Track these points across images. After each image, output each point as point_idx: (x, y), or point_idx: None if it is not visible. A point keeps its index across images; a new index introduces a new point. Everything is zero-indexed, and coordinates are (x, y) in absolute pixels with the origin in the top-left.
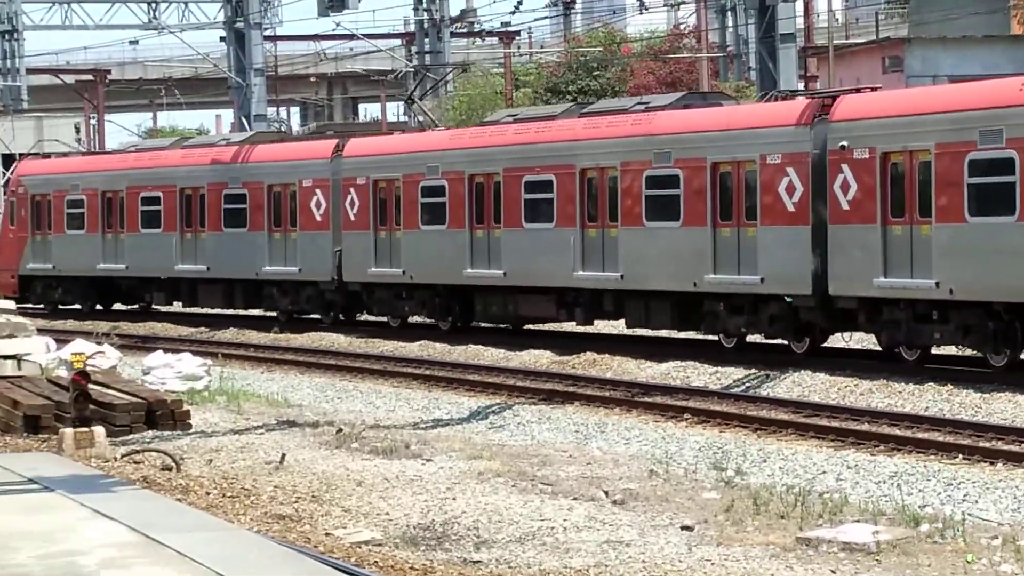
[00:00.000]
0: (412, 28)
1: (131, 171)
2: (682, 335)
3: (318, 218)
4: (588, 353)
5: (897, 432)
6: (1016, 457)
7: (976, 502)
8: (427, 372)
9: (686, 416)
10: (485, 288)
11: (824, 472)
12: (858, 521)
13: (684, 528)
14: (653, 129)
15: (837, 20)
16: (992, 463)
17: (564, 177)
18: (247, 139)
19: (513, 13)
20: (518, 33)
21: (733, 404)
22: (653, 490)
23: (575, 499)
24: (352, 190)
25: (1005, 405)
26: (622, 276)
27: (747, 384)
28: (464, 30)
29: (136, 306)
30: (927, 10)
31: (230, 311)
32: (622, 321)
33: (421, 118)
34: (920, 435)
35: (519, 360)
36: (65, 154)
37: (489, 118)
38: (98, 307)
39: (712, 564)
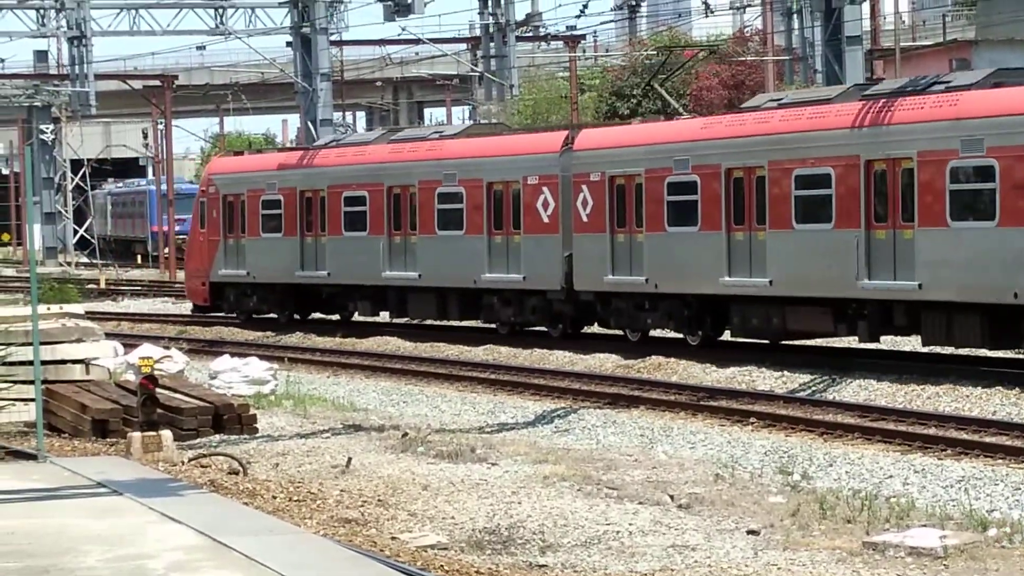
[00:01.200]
0: (477, 32)
1: (333, 168)
2: (748, 340)
3: (545, 219)
4: (653, 357)
5: (964, 436)
6: None
7: None
8: (492, 376)
9: (751, 420)
10: (742, 298)
11: (891, 476)
12: (925, 526)
13: (750, 532)
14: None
15: (904, 22)
16: None
17: (846, 170)
18: (463, 131)
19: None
20: (583, 37)
21: (799, 408)
22: (719, 494)
23: (640, 503)
24: (585, 187)
25: None
26: (920, 286)
27: (812, 388)
28: (529, 34)
29: (336, 316)
30: (994, 11)
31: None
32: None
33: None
34: (988, 439)
35: (584, 364)
36: (259, 150)
37: (747, 104)
38: (295, 317)
39: (779, 568)
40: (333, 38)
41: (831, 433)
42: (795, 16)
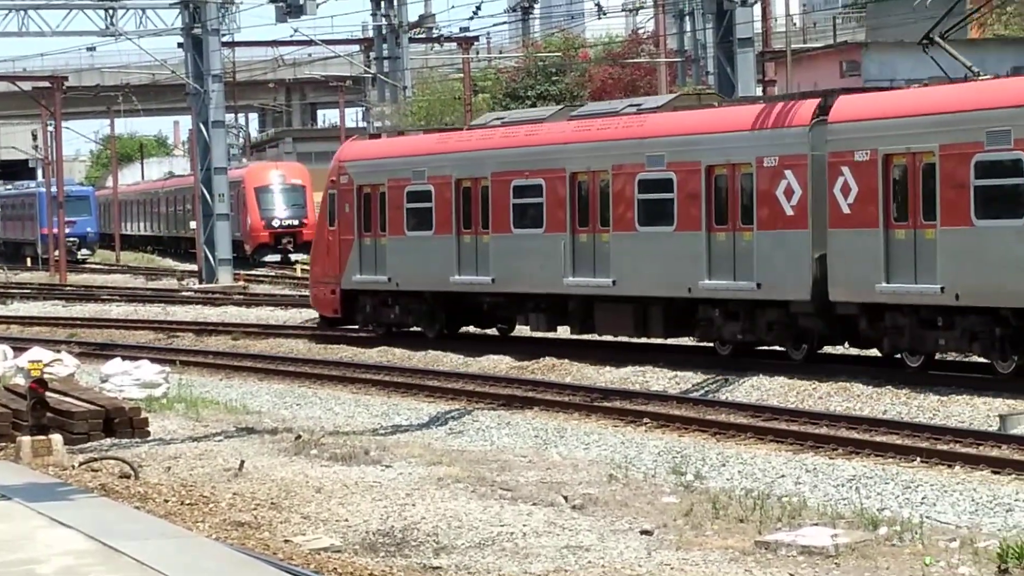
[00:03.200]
0: (370, 34)
1: (498, 152)
2: (641, 340)
3: (788, 211)
4: (547, 358)
5: (855, 435)
6: (973, 460)
7: (934, 505)
8: (386, 378)
9: (645, 421)
10: None
11: (783, 476)
12: (817, 524)
13: (643, 532)
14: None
15: (795, 25)
16: (950, 466)
17: None
18: (668, 103)
19: (472, 18)
20: (477, 38)
21: (692, 408)
22: (612, 495)
23: (534, 504)
24: (846, 170)
25: (963, 408)
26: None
27: (706, 388)
28: (422, 35)
29: (495, 330)
30: (884, 14)
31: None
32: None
33: None
34: (878, 438)
35: (478, 366)
36: (401, 132)
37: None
38: (446, 332)
39: (671, 568)
40: (225, 39)
41: (724, 433)
42: (687, 18)
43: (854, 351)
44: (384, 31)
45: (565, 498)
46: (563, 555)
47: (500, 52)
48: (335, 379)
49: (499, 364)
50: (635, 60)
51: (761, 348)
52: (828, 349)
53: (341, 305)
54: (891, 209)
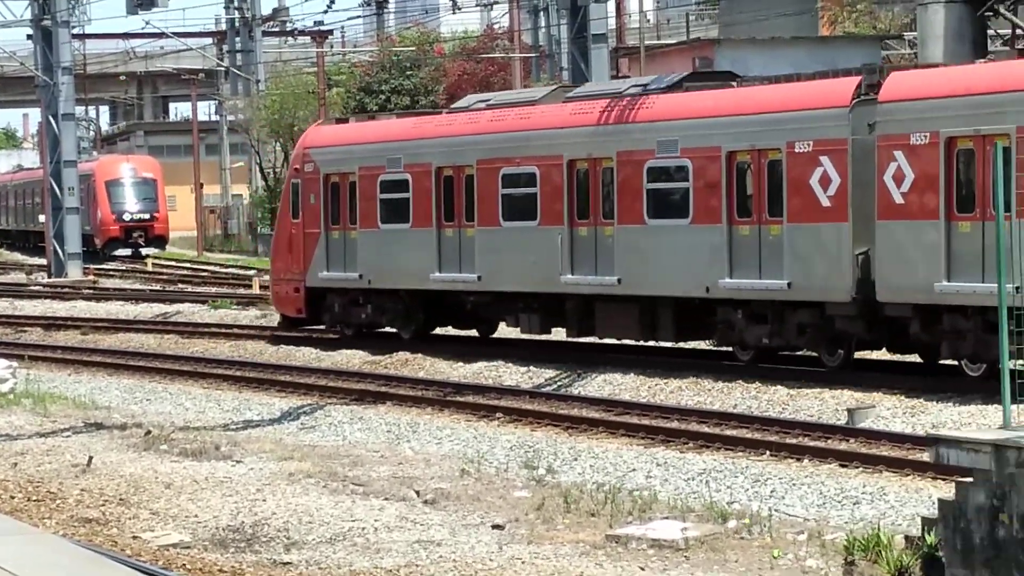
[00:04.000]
0: (223, 27)
1: (486, 137)
2: (496, 335)
3: (825, 201)
4: (401, 353)
5: (706, 429)
6: (822, 453)
7: (783, 498)
8: (238, 373)
9: (498, 415)
10: None
11: (634, 470)
12: (667, 518)
13: (495, 527)
14: None
15: (648, 21)
16: (799, 459)
17: None
18: (678, 82)
19: (326, 12)
20: (331, 32)
21: (545, 403)
22: (464, 489)
23: (386, 499)
24: (899, 155)
25: (811, 402)
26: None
27: (558, 383)
28: (276, 29)
29: (474, 332)
30: (737, 11)
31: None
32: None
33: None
34: (728, 432)
35: (331, 360)
36: (372, 116)
37: None
38: (424, 332)
39: (522, 562)
40: (75, 31)
41: (576, 427)
42: (542, 14)
43: (892, 356)
44: (237, 24)
45: (417, 493)
46: (414, 550)
47: (355, 46)
48: (186, 374)
49: (352, 359)
50: (490, 55)
51: (787, 354)
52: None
53: (306, 304)
54: (954, 199)
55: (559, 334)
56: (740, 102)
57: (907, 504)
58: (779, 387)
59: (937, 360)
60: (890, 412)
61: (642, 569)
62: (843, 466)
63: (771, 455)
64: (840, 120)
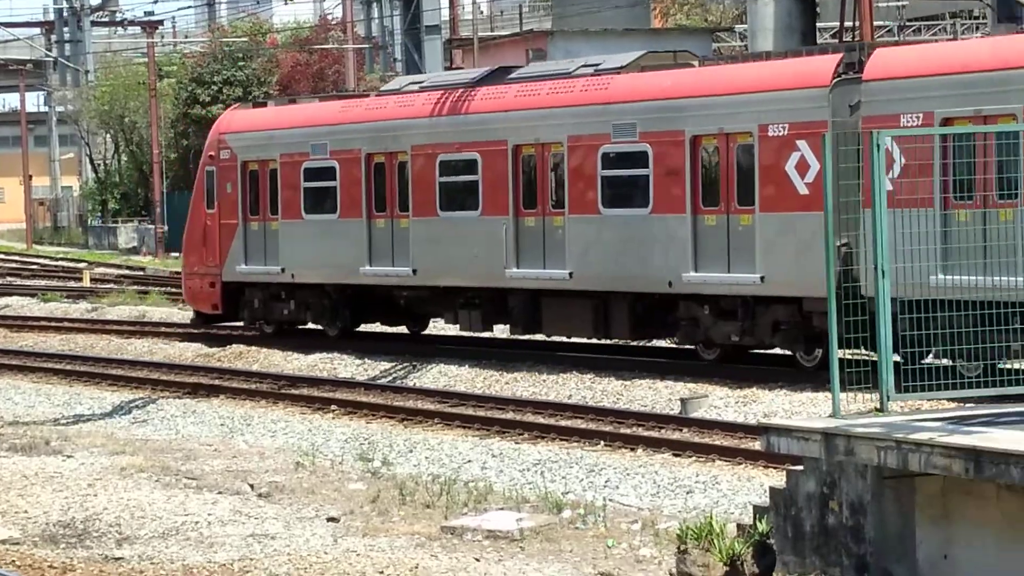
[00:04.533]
0: (51, 16)
1: (421, 121)
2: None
3: (802, 189)
4: (235, 346)
5: (541, 420)
6: (655, 443)
7: (617, 487)
8: (68, 367)
9: (333, 408)
10: None
11: (469, 461)
12: (502, 509)
13: (330, 520)
14: None
15: (482, 12)
16: (632, 449)
17: None
18: (634, 62)
19: (156, 2)
20: (161, 23)
21: (380, 395)
22: (299, 482)
23: (220, 493)
24: (888, 138)
25: (645, 392)
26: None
27: (394, 375)
28: (106, 19)
29: (403, 329)
30: (570, 3)
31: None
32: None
33: None
34: (563, 422)
35: (164, 353)
36: (293, 100)
37: None
38: (350, 329)
39: (357, 555)
40: None
41: (411, 419)
42: (375, 5)
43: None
44: (65, 14)
45: (251, 486)
46: (248, 544)
47: (186, 37)
48: (14, 368)
49: (185, 352)
50: (323, 46)
51: (759, 352)
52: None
53: (222, 300)
54: (950, 186)
55: (500, 332)
56: (706, 82)
57: (739, 492)
58: (612, 378)
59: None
60: (722, 402)
61: (477, 560)
62: (676, 455)
63: (605, 445)
64: (819, 101)
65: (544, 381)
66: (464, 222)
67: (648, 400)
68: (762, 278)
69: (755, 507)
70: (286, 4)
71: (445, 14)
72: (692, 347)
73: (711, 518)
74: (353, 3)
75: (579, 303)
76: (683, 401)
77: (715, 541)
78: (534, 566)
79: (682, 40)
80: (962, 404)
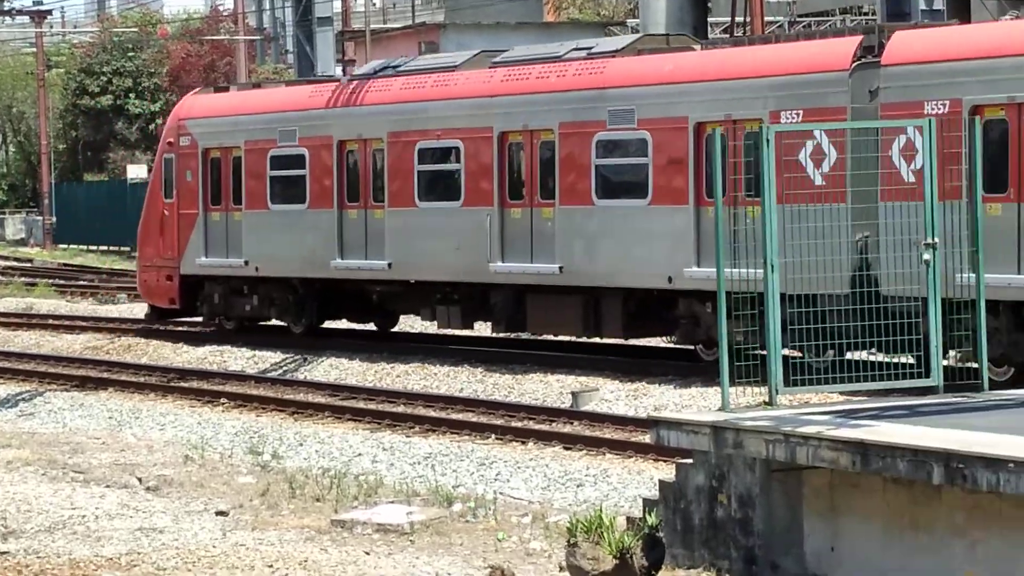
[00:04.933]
0: None
1: (399, 107)
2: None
3: (818, 180)
4: (125, 338)
5: (432, 413)
6: (546, 436)
7: (508, 481)
8: None
9: (223, 401)
10: None
11: (360, 454)
12: (393, 502)
13: (219, 513)
14: None
15: (375, 5)
16: (523, 442)
17: None
18: (630, 45)
19: None
20: (50, 12)
21: (270, 388)
22: (188, 476)
23: (108, 486)
24: (910, 127)
25: (536, 385)
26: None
27: (285, 368)
28: None
29: (371, 326)
30: None
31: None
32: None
33: None
34: (454, 416)
35: (52, 346)
36: (257, 84)
37: None
38: (325, 324)
39: (246, 548)
40: None
41: (302, 412)
42: None
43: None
44: None
45: (139, 480)
46: (136, 537)
47: (75, 27)
48: None
49: (74, 344)
50: (214, 37)
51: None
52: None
53: (180, 294)
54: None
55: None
56: (711, 66)
57: (629, 485)
58: (504, 372)
59: None
60: (613, 395)
61: (367, 554)
62: (567, 449)
63: (496, 438)
64: (838, 86)
65: (435, 374)
66: (444, 213)
67: (539, 393)
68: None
69: (645, 500)
70: None
71: (337, 6)
72: (691, 347)
73: (601, 511)
74: None
75: (568, 299)
76: (574, 394)
77: (605, 534)
78: (424, 559)
79: (574, 34)
80: (850, 398)
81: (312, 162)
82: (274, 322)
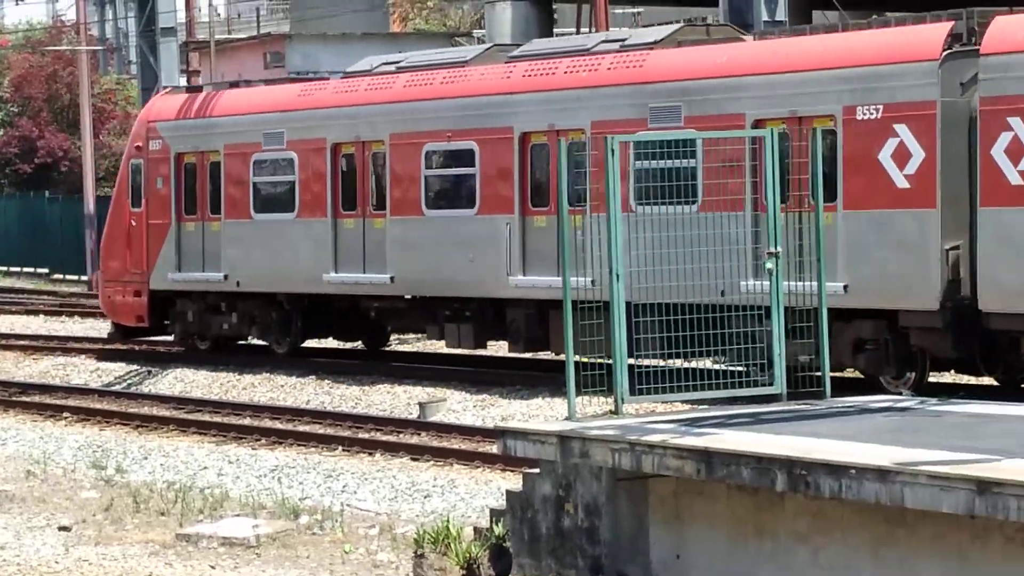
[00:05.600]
0: None
1: (403, 106)
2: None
3: (901, 182)
4: None
5: (279, 426)
6: (393, 447)
7: (355, 492)
8: None
9: (65, 415)
10: None
11: (205, 468)
12: (239, 515)
13: (61, 528)
14: None
15: (219, 15)
16: (371, 454)
17: None
18: (670, 36)
19: None
20: None
21: (114, 401)
22: (30, 491)
23: None
24: (1017, 122)
25: (384, 397)
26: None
27: (129, 381)
28: None
29: (381, 344)
30: (307, 7)
31: None
32: None
33: None
34: (301, 428)
35: None
36: (234, 84)
37: None
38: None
39: (90, 564)
40: None
41: (146, 426)
42: (109, 6)
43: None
44: None
45: None
46: None
47: None
48: None
49: None
50: (56, 48)
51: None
52: None
53: (149, 311)
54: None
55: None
56: (770, 57)
57: (477, 496)
58: (351, 383)
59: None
60: (461, 405)
61: (213, 568)
62: (415, 459)
63: (343, 450)
64: (926, 77)
65: (282, 387)
66: (457, 222)
67: (387, 405)
68: (845, 287)
69: (492, 510)
70: (17, 4)
71: (181, 16)
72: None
73: (448, 522)
74: (87, 4)
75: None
76: (421, 405)
77: (452, 545)
78: (271, 572)
79: (421, 44)
80: (695, 406)
81: (302, 167)
82: (255, 341)
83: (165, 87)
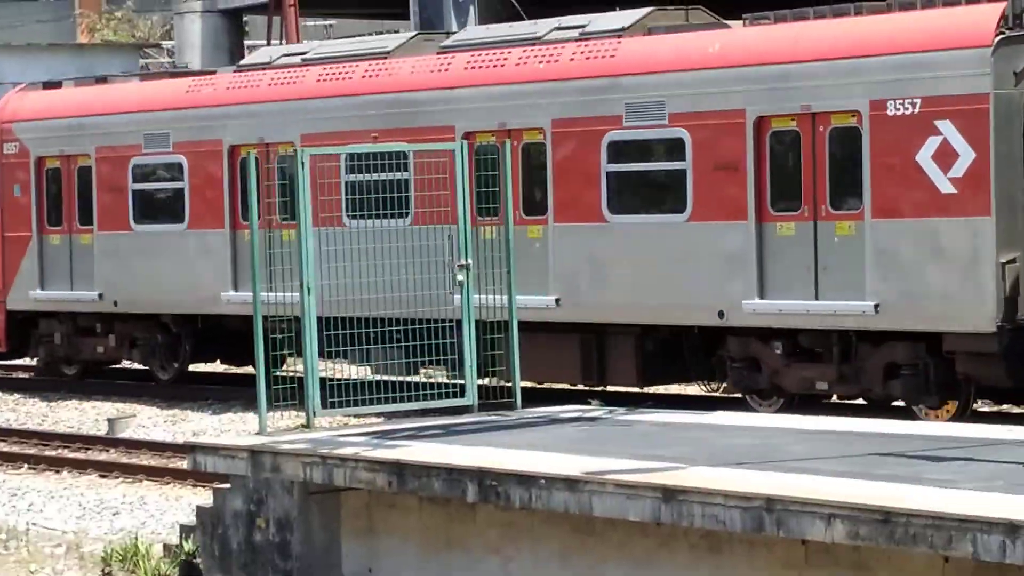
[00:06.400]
0: None
1: (317, 103)
2: None
3: (944, 186)
4: None
5: None
6: (81, 464)
7: (41, 511)
8: None
9: None
10: None
11: None
12: None
13: None
14: None
15: None
16: (58, 471)
17: None
18: (639, 22)
19: None
20: None
21: None
22: None
23: None
24: None
25: (72, 413)
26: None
27: None
28: None
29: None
30: None
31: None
32: None
33: None
34: None
35: None
36: (103, 78)
37: None
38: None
39: None
40: None
41: None
42: None
43: None
44: None
45: None
46: None
47: None
48: None
49: None
50: None
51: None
52: None
53: (6, 334)
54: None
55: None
56: (775, 44)
57: (167, 512)
58: (38, 400)
59: None
60: (151, 421)
61: None
62: (103, 476)
63: (29, 468)
64: (976, 66)
65: None
66: (389, 234)
67: (75, 421)
68: (876, 307)
69: (182, 527)
70: None
71: None
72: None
73: (137, 539)
74: None
75: (566, 340)
76: (110, 421)
77: (141, 562)
78: None
79: (110, 56)
80: (388, 419)
81: (193, 172)
82: (133, 365)
83: (19, 84)
